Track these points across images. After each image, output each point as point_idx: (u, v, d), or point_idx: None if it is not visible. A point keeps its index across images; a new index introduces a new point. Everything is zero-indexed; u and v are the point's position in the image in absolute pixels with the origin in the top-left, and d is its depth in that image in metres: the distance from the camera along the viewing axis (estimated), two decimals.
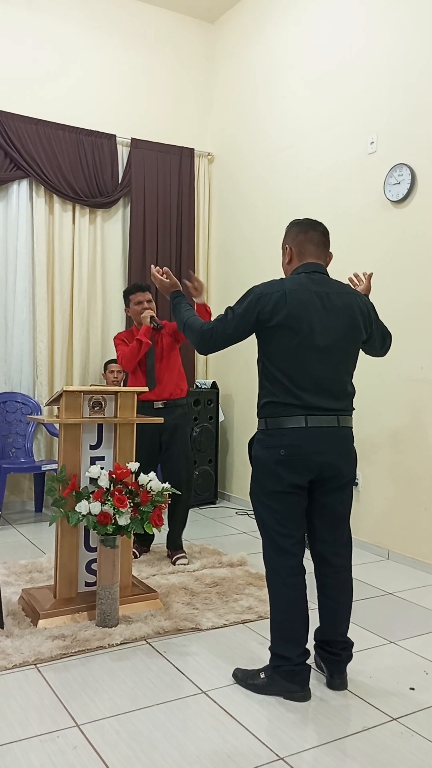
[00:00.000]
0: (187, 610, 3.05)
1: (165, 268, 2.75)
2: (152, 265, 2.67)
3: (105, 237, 5.55)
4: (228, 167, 5.81)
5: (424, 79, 3.88)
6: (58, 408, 3.12)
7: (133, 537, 3.06)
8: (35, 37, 5.19)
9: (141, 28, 5.64)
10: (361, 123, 4.32)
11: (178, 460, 3.86)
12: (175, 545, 3.91)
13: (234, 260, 5.68)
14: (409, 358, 3.92)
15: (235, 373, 5.53)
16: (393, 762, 1.97)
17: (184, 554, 3.87)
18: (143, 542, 3.97)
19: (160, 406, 3.82)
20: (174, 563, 3.78)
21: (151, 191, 5.62)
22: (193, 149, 5.83)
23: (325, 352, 2.31)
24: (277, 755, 1.99)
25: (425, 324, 3.85)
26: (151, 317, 3.82)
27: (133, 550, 3.76)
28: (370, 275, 2.87)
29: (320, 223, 2.48)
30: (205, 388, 5.56)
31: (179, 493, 3.22)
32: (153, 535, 3.94)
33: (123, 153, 5.55)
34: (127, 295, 4.02)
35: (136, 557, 3.81)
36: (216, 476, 5.53)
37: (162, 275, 2.74)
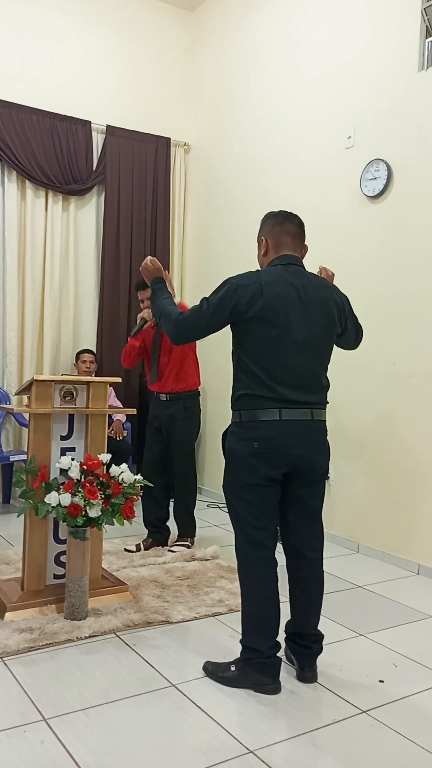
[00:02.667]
0: (157, 602, 3.02)
1: (153, 257, 2.70)
2: (148, 257, 2.66)
3: (78, 225, 5.46)
4: (206, 157, 5.77)
5: (402, 74, 3.89)
6: (28, 397, 3.06)
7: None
8: (10, 21, 5.07)
9: (119, 15, 5.55)
10: (338, 117, 4.31)
11: (174, 451, 3.96)
12: (179, 531, 4.01)
13: (210, 251, 5.64)
14: (382, 353, 3.94)
15: (208, 365, 5.50)
16: (363, 754, 1.98)
17: (183, 543, 3.93)
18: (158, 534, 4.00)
19: (164, 399, 3.94)
20: (169, 549, 3.89)
21: (126, 180, 5.55)
22: (169, 138, 5.77)
23: (301, 344, 2.30)
24: (248, 748, 1.99)
25: (398, 320, 3.87)
26: (141, 318, 3.90)
27: (139, 543, 3.91)
28: (332, 274, 2.80)
29: (296, 215, 2.46)
30: None
31: (151, 485, 3.20)
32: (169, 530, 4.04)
33: (98, 140, 5.47)
34: (137, 291, 4.18)
35: (138, 550, 3.88)
36: None
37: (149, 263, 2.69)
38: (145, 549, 3.88)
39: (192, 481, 4.04)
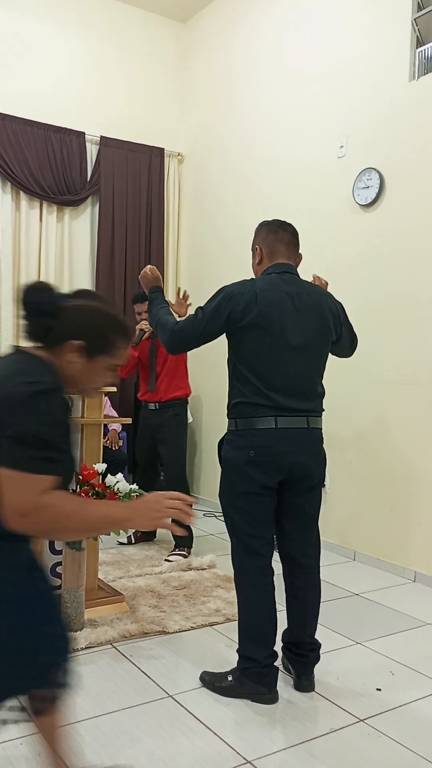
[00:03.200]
0: (153, 613, 3.01)
1: (153, 267, 2.71)
2: (147, 266, 2.69)
3: (73, 235, 5.48)
4: (199, 167, 5.80)
5: (393, 84, 3.92)
6: None
7: None
8: (3, 32, 5.10)
9: (112, 26, 5.59)
10: (331, 126, 4.35)
11: (166, 458, 4.09)
12: (175, 542, 4.00)
13: (204, 260, 5.66)
14: (376, 360, 3.95)
15: (203, 374, 5.51)
16: (361, 763, 1.97)
17: (180, 553, 3.93)
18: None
19: (153, 408, 4.05)
20: (166, 558, 3.91)
21: (120, 190, 5.57)
22: (163, 149, 5.80)
23: (296, 352, 2.30)
24: (245, 758, 1.98)
25: (392, 326, 3.88)
26: (140, 330, 4.01)
27: (130, 536, 4.14)
28: (325, 283, 2.82)
29: (289, 224, 2.48)
30: None
31: (146, 494, 3.20)
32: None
33: (92, 151, 5.50)
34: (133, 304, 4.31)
35: (130, 543, 4.14)
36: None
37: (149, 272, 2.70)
38: (135, 541, 4.15)
39: (185, 488, 4.12)
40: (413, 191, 3.79)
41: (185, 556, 3.89)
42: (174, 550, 3.95)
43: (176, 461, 4.05)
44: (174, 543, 4.00)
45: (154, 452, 4.13)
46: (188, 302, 3.71)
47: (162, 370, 4.00)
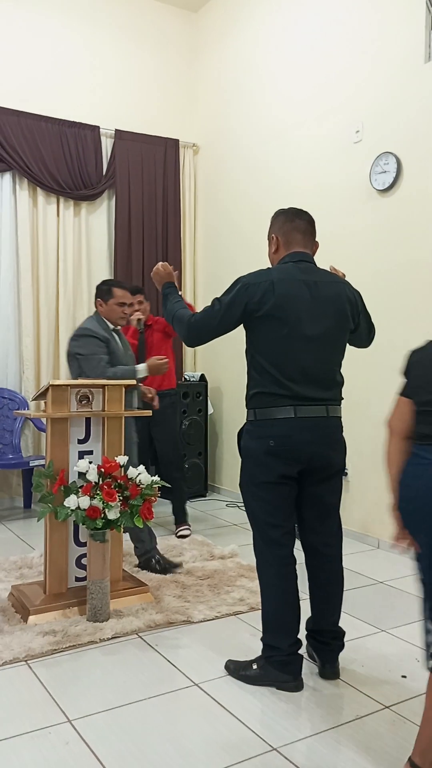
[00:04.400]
0: (178, 603, 3.04)
1: (164, 263, 2.72)
2: (160, 263, 2.70)
3: (90, 229, 5.50)
4: (214, 157, 5.77)
5: (408, 67, 3.86)
6: (45, 402, 3.09)
7: None
8: (17, 28, 5.11)
9: (124, 19, 5.58)
10: (346, 112, 4.30)
11: (167, 445, 4.22)
12: (178, 519, 4.28)
13: (221, 251, 5.65)
14: (397, 347, 3.91)
15: (223, 365, 5.51)
16: (386, 750, 1.98)
17: (186, 527, 4.22)
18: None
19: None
20: (176, 535, 4.12)
21: (136, 183, 5.58)
22: (177, 140, 5.79)
23: (313, 341, 2.29)
24: (271, 746, 1.99)
25: (413, 313, 3.84)
26: (138, 320, 4.09)
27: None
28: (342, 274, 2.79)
29: (306, 212, 2.46)
30: (193, 381, 5.54)
31: (169, 485, 3.22)
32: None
33: (107, 144, 5.50)
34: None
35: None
36: (206, 469, 5.52)
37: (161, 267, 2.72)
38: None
39: (183, 469, 4.37)
40: (431, 174, 3.73)
41: (190, 529, 4.20)
42: (181, 527, 4.22)
43: (177, 444, 4.31)
44: (177, 520, 4.28)
45: (146, 447, 4.15)
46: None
47: None
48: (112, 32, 5.53)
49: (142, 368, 3.49)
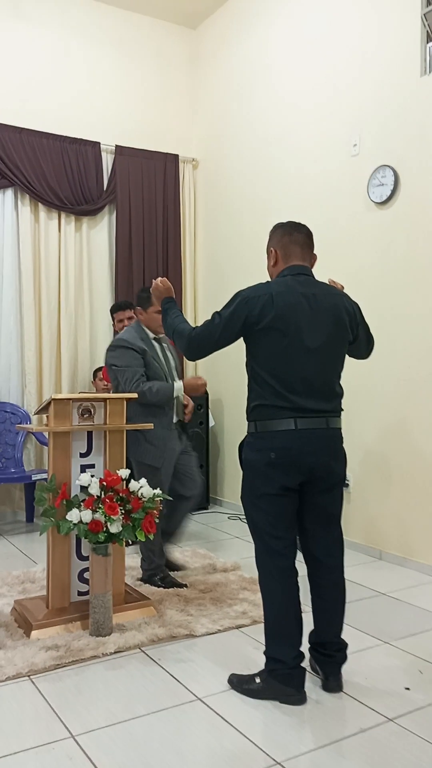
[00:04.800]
0: (181, 616, 3.03)
1: (163, 278, 2.74)
2: (159, 278, 2.72)
3: (91, 244, 5.54)
4: (213, 172, 5.82)
5: (404, 80, 3.91)
6: (47, 416, 3.11)
7: None
8: (18, 45, 5.18)
9: (123, 36, 5.65)
10: (344, 125, 4.34)
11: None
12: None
13: (221, 265, 5.68)
14: (397, 357, 3.94)
15: (224, 377, 5.53)
16: (391, 762, 1.97)
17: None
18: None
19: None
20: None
21: (137, 198, 5.62)
22: (177, 155, 5.84)
23: (313, 353, 2.31)
24: (274, 760, 1.99)
25: (413, 324, 3.86)
26: None
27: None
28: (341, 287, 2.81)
29: (304, 225, 2.49)
30: (194, 394, 5.54)
31: (170, 498, 3.22)
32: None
33: (107, 160, 5.55)
34: (111, 313, 4.29)
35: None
36: (207, 481, 5.52)
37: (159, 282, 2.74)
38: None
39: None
40: (428, 187, 3.77)
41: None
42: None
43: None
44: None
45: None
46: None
47: None
48: (112, 49, 5.60)
49: (179, 386, 3.37)
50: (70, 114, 5.38)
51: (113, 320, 4.19)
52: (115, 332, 4.69)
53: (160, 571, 3.49)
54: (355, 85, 4.25)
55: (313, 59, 4.61)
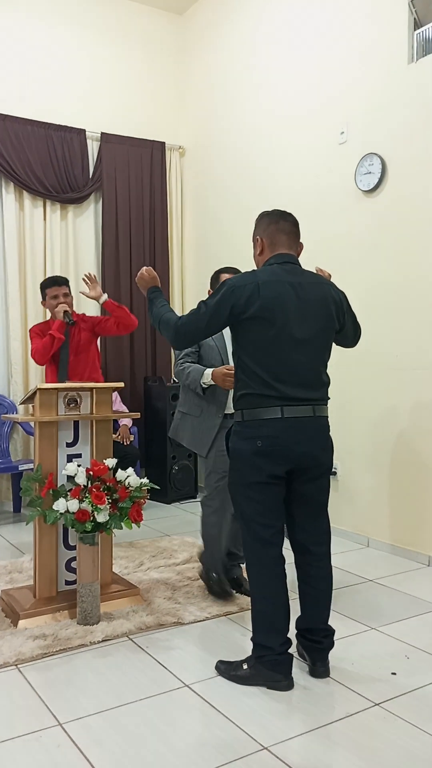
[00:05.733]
0: (169, 604, 3.04)
1: (148, 267, 2.70)
2: (144, 267, 2.67)
3: (77, 232, 5.50)
4: (201, 160, 5.79)
5: (392, 68, 3.89)
6: (33, 406, 3.09)
7: None
8: (2, 31, 5.10)
9: (109, 21, 5.58)
10: (331, 113, 4.32)
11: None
12: None
13: (209, 253, 5.66)
14: (383, 347, 3.95)
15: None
16: (377, 746, 1.99)
17: None
18: None
19: None
20: None
21: (123, 186, 5.58)
22: (164, 143, 5.80)
23: (300, 342, 2.31)
24: (262, 745, 2.00)
25: (398, 312, 3.87)
26: (65, 312, 3.80)
27: None
28: (328, 275, 2.80)
29: (290, 214, 2.48)
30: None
31: (158, 487, 3.19)
32: None
33: (93, 147, 5.50)
34: (43, 288, 3.98)
35: None
36: (195, 471, 5.52)
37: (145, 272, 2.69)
38: None
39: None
40: (415, 175, 3.77)
41: None
42: None
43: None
44: None
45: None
46: (94, 281, 3.92)
47: (79, 360, 3.84)
48: (98, 35, 5.53)
49: (207, 373, 3.04)
50: (55, 101, 5.32)
51: (44, 297, 3.93)
52: (46, 309, 4.38)
53: (215, 571, 3.13)
54: (343, 73, 4.23)
55: (301, 46, 4.58)
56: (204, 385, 2.99)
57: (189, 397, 3.15)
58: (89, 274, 3.99)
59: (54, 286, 3.91)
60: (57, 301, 3.86)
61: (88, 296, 3.98)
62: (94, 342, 4.00)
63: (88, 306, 5.02)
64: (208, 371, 3.04)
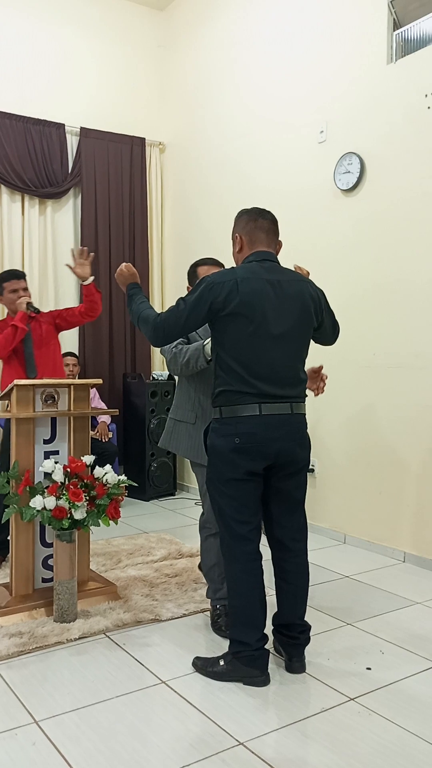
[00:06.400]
0: (146, 601, 3.04)
1: (128, 263, 2.66)
2: (123, 264, 2.63)
3: (56, 228, 5.46)
4: (181, 156, 5.78)
5: (371, 67, 3.92)
6: (9, 402, 3.07)
7: None
8: None
9: (90, 16, 5.54)
10: (311, 112, 4.34)
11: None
12: None
13: (189, 249, 5.65)
14: (361, 345, 3.98)
15: None
16: (352, 740, 2.01)
17: None
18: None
19: None
20: None
21: (102, 181, 5.55)
22: (144, 138, 5.78)
23: (278, 339, 2.32)
24: (238, 740, 2.01)
25: (376, 311, 3.90)
26: (28, 303, 3.73)
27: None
28: (306, 272, 2.80)
29: (269, 212, 2.49)
30: (161, 380, 5.53)
31: (136, 485, 3.19)
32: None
33: (72, 142, 5.46)
34: (1, 282, 3.86)
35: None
36: (174, 468, 5.52)
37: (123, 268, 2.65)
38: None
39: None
40: (393, 175, 3.80)
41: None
42: None
43: None
44: None
45: None
46: (88, 259, 3.76)
47: (42, 354, 3.76)
48: (78, 29, 5.49)
49: (209, 341, 2.67)
50: (33, 94, 5.27)
51: (1, 291, 3.78)
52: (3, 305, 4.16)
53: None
54: (323, 72, 4.25)
55: (281, 44, 4.59)
56: (208, 357, 2.68)
57: (182, 403, 2.94)
58: (86, 249, 3.82)
59: (13, 279, 3.80)
60: (17, 294, 3.75)
61: (75, 272, 3.79)
62: (55, 336, 3.91)
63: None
64: (209, 340, 2.68)
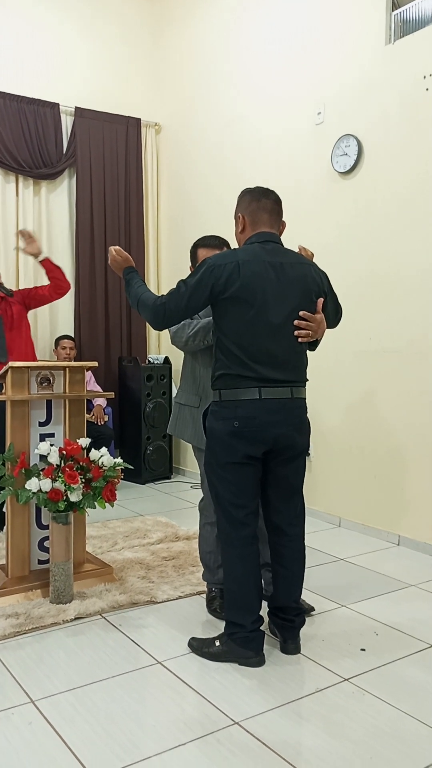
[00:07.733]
0: (142, 583, 3.05)
1: (116, 247, 2.64)
2: (111, 247, 2.59)
3: (51, 209, 5.41)
4: (177, 137, 5.71)
5: (369, 49, 3.87)
6: (3, 384, 3.05)
7: None
8: None
9: None
10: (308, 93, 4.29)
11: None
12: None
13: (185, 231, 5.61)
14: (358, 330, 3.97)
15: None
16: (346, 721, 2.03)
17: None
18: None
19: None
20: None
21: (97, 162, 5.49)
22: (139, 119, 5.71)
23: (279, 323, 2.30)
24: (233, 720, 2.03)
25: (374, 296, 3.89)
26: (0, 284, 3.76)
27: None
28: (311, 254, 2.78)
29: (272, 191, 2.46)
30: (157, 363, 5.52)
31: (132, 467, 3.16)
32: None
33: (67, 122, 5.40)
34: None
35: None
36: (170, 451, 5.53)
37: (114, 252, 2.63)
38: None
39: None
40: (391, 157, 3.76)
41: None
42: None
43: None
44: None
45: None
46: (31, 238, 3.84)
47: (15, 337, 3.78)
48: (74, 8, 5.40)
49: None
50: (27, 74, 5.20)
51: None
52: None
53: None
54: (320, 53, 4.19)
55: (279, 25, 4.53)
56: None
57: (186, 386, 2.83)
58: (24, 230, 3.99)
59: None
60: None
61: (25, 252, 3.94)
62: (25, 317, 3.95)
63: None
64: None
